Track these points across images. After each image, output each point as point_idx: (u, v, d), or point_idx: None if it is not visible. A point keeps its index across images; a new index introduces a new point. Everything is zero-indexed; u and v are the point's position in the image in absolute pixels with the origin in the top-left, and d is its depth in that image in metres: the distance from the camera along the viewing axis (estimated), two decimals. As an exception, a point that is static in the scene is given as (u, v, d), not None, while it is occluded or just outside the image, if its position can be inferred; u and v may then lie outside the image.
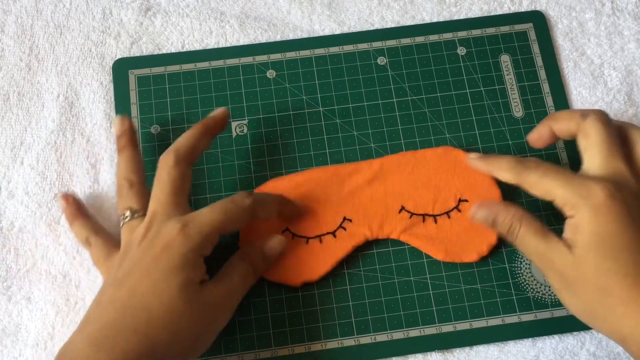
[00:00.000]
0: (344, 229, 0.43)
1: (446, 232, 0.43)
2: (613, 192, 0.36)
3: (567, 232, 0.37)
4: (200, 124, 0.42)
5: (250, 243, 0.42)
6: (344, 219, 0.43)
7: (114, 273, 0.37)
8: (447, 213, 0.44)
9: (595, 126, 0.38)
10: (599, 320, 0.36)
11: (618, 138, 0.39)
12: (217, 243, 0.38)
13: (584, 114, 0.39)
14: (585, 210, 0.36)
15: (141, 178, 0.42)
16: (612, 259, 0.35)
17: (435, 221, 0.43)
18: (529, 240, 0.38)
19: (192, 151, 0.41)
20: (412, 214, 0.44)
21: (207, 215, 0.38)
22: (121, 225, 0.40)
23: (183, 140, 0.41)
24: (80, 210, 0.43)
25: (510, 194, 0.45)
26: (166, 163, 0.40)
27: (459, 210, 0.44)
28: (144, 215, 0.39)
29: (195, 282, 0.36)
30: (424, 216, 0.44)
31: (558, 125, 0.40)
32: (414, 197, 0.44)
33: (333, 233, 0.43)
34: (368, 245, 0.44)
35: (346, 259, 0.44)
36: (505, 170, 0.40)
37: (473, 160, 0.43)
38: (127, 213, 0.40)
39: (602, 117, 0.39)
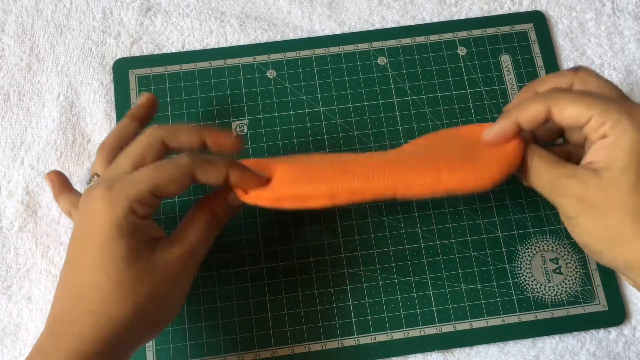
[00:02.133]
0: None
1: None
2: None
3: (596, 154, 0.34)
4: (126, 114, 0.41)
5: (212, 193, 0.38)
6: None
7: (68, 248, 0.36)
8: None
9: (593, 74, 0.37)
10: (620, 247, 0.34)
11: None
12: (159, 204, 0.35)
13: (573, 68, 0.37)
14: (628, 127, 0.33)
15: (116, 142, 0.40)
16: None
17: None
18: (543, 168, 0.36)
19: (118, 137, 0.40)
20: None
21: (137, 176, 0.34)
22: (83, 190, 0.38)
23: (110, 131, 0.40)
24: (63, 186, 0.42)
25: (512, 193, 0.45)
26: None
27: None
28: None
29: (140, 249, 0.34)
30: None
31: (543, 88, 0.38)
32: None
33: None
34: (368, 245, 0.44)
35: (346, 259, 0.44)
36: (530, 105, 0.35)
37: (490, 131, 0.37)
38: (94, 178, 0.38)
39: (592, 70, 0.37)
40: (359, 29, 0.51)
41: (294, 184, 0.36)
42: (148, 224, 0.35)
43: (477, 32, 0.50)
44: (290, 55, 0.49)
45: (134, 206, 0.33)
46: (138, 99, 0.43)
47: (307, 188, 0.35)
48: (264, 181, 0.37)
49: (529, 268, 0.44)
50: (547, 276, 0.44)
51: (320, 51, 0.49)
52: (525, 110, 0.35)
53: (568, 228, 0.36)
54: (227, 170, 0.36)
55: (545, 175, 0.36)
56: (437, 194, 0.35)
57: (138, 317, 0.33)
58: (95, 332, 0.32)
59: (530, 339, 0.43)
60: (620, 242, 0.34)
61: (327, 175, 0.36)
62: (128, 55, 0.49)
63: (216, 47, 0.50)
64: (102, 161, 0.38)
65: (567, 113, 0.34)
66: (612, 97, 0.36)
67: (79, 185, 0.46)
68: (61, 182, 0.42)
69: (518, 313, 0.43)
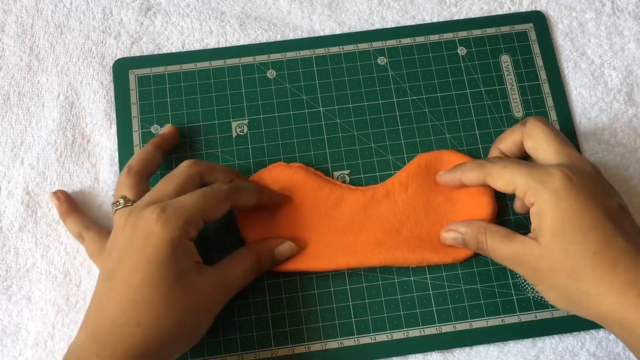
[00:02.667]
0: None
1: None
2: (571, 175, 0.36)
3: (533, 221, 0.38)
4: (149, 143, 0.44)
5: (261, 241, 0.42)
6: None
7: (106, 263, 0.38)
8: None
9: (538, 125, 0.40)
10: (577, 306, 0.36)
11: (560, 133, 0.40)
12: (202, 228, 0.38)
13: (523, 122, 0.41)
14: (545, 194, 0.36)
15: (143, 169, 0.42)
16: (578, 241, 0.35)
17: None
18: (498, 246, 0.39)
19: (144, 164, 0.42)
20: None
21: (186, 200, 0.37)
22: (113, 212, 0.40)
23: (135, 156, 0.43)
24: (71, 207, 0.44)
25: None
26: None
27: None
28: None
29: (189, 269, 0.36)
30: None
31: (504, 145, 0.42)
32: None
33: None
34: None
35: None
36: (470, 170, 0.41)
37: (441, 177, 0.44)
38: (121, 201, 0.40)
39: (541, 118, 0.40)
40: (359, 29, 0.51)
41: (302, 263, 0.43)
42: (192, 247, 0.37)
43: (477, 32, 0.50)
44: (290, 55, 0.49)
45: (187, 228, 0.36)
46: (161, 129, 0.46)
47: (313, 266, 0.43)
48: (285, 198, 0.44)
49: (529, 268, 0.44)
50: (547, 276, 0.44)
51: (320, 51, 0.49)
52: (467, 174, 0.41)
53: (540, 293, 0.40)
54: (258, 195, 0.41)
55: (501, 251, 0.39)
56: (422, 265, 0.43)
57: (178, 332, 0.36)
58: (142, 344, 0.34)
59: (530, 339, 0.43)
60: (576, 302, 0.36)
61: (329, 257, 0.43)
62: (128, 55, 0.49)
63: (216, 47, 0.50)
64: (130, 186, 0.41)
65: (497, 184, 0.39)
66: (538, 162, 0.40)
67: (79, 185, 0.46)
68: (69, 203, 0.44)
69: (518, 313, 0.43)
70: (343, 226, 0.44)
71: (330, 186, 0.44)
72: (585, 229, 0.35)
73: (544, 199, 0.36)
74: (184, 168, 0.40)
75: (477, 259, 0.44)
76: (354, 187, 0.45)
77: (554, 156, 0.38)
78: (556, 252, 0.36)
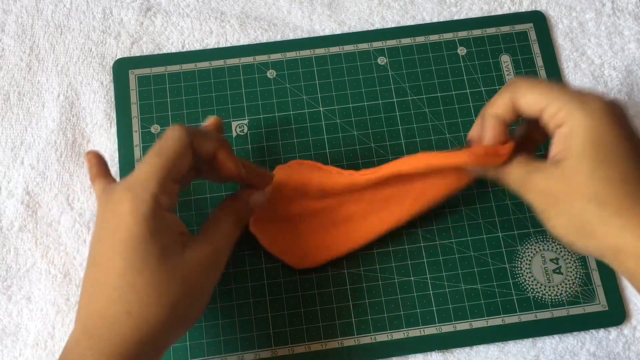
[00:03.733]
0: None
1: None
2: (610, 103, 0.34)
3: (556, 145, 0.35)
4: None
5: (234, 195, 0.40)
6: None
7: (90, 248, 0.36)
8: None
9: (527, 80, 0.37)
10: (589, 236, 0.34)
11: None
12: (178, 191, 0.36)
13: (506, 85, 0.38)
14: (581, 115, 0.34)
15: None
16: (608, 165, 0.33)
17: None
18: (513, 166, 0.37)
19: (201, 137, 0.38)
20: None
21: (145, 168, 0.34)
22: None
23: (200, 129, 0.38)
24: (102, 169, 0.40)
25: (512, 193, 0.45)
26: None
27: None
28: None
29: (171, 246, 0.34)
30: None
31: (496, 109, 0.38)
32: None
33: None
34: (368, 245, 0.44)
35: (346, 259, 0.44)
36: (497, 95, 0.37)
37: (471, 132, 0.40)
38: None
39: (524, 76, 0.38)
40: (359, 29, 0.51)
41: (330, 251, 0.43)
42: (173, 218, 0.35)
43: (477, 32, 0.50)
44: (290, 55, 0.49)
45: (157, 199, 0.33)
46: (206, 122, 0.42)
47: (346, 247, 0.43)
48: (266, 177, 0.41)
49: (529, 268, 0.44)
50: (547, 276, 0.44)
51: (320, 51, 0.49)
52: (494, 102, 0.38)
53: (542, 223, 0.36)
54: (218, 142, 0.37)
55: (514, 172, 0.37)
56: (430, 167, 0.40)
57: (172, 316, 0.34)
58: (135, 333, 0.33)
59: (530, 339, 0.43)
60: (589, 232, 0.34)
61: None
62: (128, 55, 0.49)
63: (216, 47, 0.50)
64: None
65: (526, 100, 0.36)
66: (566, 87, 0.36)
67: (79, 185, 0.46)
68: (99, 165, 0.40)
69: (518, 313, 0.43)
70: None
71: (329, 176, 0.44)
72: (619, 156, 0.33)
73: (579, 118, 0.34)
74: (172, 143, 0.35)
75: (478, 259, 0.44)
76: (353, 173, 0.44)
77: (570, 96, 0.35)
78: (581, 175, 0.33)
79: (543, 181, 0.35)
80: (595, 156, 0.33)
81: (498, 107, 0.37)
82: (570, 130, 0.34)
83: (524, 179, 0.36)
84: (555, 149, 0.35)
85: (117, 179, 0.45)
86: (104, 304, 0.33)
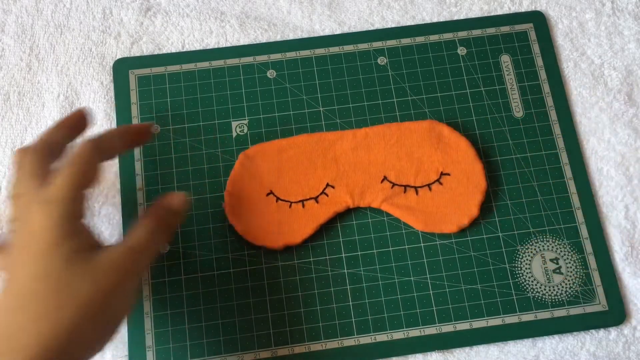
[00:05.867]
0: (327, 195, 0.44)
1: (427, 204, 0.44)
2: None
3: None
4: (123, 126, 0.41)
5: (156, 202, 0.40)
6: (327, 185, 0.44)
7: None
8: (429, 185, 0.44)
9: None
10: None
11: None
12: (85, 198, 0.36)
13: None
14: None
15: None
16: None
17: (417, 192, 0.44)
18: None
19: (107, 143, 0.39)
20: (394, 184, 0.44)
21: (58, 182, 0.35)
22: None
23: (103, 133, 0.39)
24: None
25: (512, 193, 0.45)
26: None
27: (441, 183, 0.44)
28: None
29: (83, 250, 0.34)
30: (405, 187, 0.44)
31: None
32: (396, 167, 0.45)
33: (315, 198, 0.44)
34: (368, 245, 0.44)
35: (346, 259, 0.44)
36: None
37: None
38: None
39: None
40: (359, 29, 0.51)
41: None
42: (86, 229, 0.35)
43: (477, 32, 0.50)
44: (290, 55, 0.49)
45: (69, 208, 0.34)
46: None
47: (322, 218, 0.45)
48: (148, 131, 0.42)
49: (529, 268, 0.44)
50: (547, 276, 0.44)
51: (320, 51, 0.49)
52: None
53: None
54: (126, 135, 0.39)
55: None
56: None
57: (83, 319, 0.32)
58: (40, 340, 0.31)
59: (530, 339, 0.43)
60: None
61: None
62: (128, 55, 0.49)
63: (216, 47, 0.50)
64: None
65: None
66: None
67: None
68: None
69: (518, 313, 0.43)
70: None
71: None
72: None
73: None
74: (81, 158, 0.36)
75: (478, 259, 0.44)
76: (338, 132, 0.46)
77: None
78: None
79: None
80: None
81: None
82: None
83: None
84: None
85: (117, 178, 0.45)
86: (8, 316, 0.32)
